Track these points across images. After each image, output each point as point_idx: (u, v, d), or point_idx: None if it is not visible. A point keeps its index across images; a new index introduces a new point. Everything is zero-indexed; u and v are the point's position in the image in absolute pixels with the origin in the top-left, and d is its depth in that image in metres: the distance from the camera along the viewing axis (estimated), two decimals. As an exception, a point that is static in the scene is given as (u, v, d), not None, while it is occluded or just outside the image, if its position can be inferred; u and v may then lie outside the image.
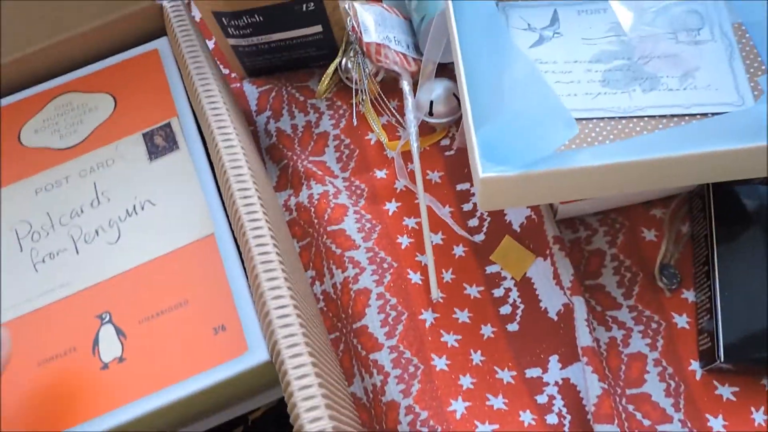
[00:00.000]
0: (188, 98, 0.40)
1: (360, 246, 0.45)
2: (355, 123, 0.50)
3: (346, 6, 0.49)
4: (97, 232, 0.36)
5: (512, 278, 0.44)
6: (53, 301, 0.35)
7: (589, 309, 0.41)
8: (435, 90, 0.48)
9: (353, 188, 0.48)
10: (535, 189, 0.35)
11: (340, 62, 0.50)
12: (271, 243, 0.32)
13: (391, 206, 0.47)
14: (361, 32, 0.48)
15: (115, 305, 0.34)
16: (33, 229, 0.37)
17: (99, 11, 0.40)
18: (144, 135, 0.39)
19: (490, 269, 0.45)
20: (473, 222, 0.46)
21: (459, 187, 0.48)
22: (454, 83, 0.48)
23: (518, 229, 0.45)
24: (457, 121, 0.49)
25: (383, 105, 0.50)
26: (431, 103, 0.48)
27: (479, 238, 0.46)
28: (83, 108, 0.41)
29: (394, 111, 0.50)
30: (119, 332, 0.33)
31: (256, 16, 0.47)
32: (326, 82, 0.50)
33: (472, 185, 0.47)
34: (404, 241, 0.46)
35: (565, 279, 0.40)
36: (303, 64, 0.53)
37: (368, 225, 0.46)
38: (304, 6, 0.47)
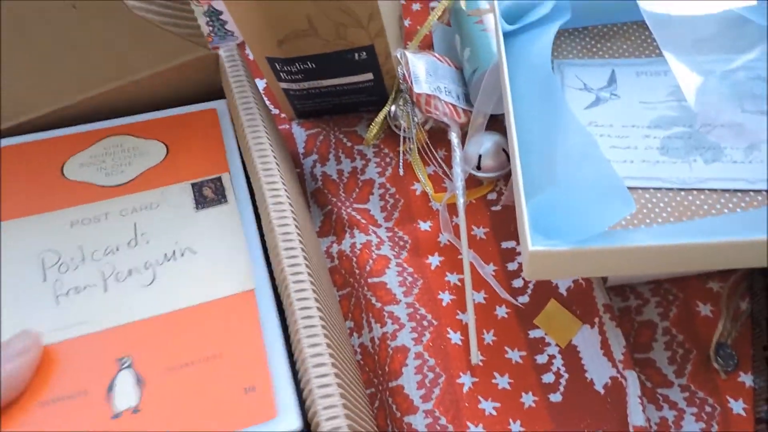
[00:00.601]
0: (241, 156, 0.40)
1: (401, 301, 0.44)
2: (401, 173, 0.49)
3: (398, 54, 0.49)
4: (130, 272, 0.35)
5: (556, 345, 0.42)
6: (70, 337, 0.33)
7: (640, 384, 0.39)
8: (484, 143, 0.47)
9: (396, 239, 0.48)
10: (586, 264, 0.34)
11: (389, 110, 0.50)
12: (315, 306, 0.31)
13: (434, 260, 0.46)
14: (411, 82, 0.48)
15: (139, 350, 0.32)
16: (62, 260, 0.35)
17: (159, 58, 0.41)
18: (193, 185, 0.38)
19: (534, 333, 0.43)
20: (518, 282, 0.45)
21: (504, 245, 0.46)
22: (503, 137, 0.47)
23: (565, 293, 0.43)
24: (505, 176, 0.48)
25: (430, 155, 0.50)
26: (480, 156, 0.47)
27: (523, 299, 0.44)
28: (134, 151, 0.40)
29: (441, 162, 0.49)
30: (139, 380, 0.32)
31: (308, 62, 0.47)
32: (375, 129, 0.49)
33: (517, 244, 0.46)
34: (446, 297, 0.45)
35: (616, 351, 0.39)
36: (352, 108, 0.53)
37: (410, 279, 0.45)
38: (356, 55, 0.47)
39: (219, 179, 0.38)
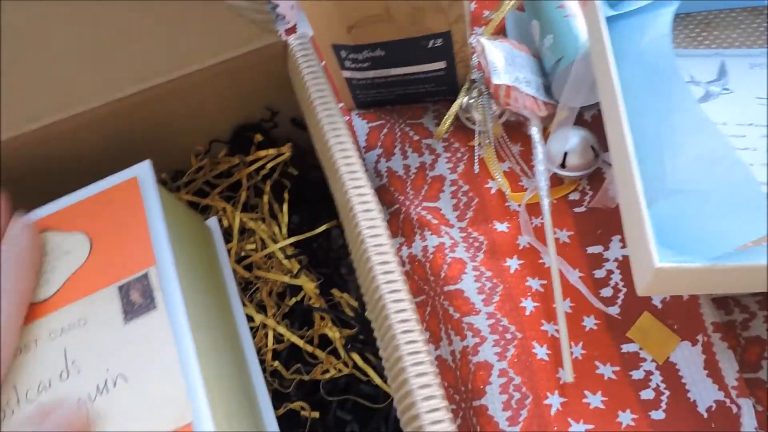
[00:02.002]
0: (169, 240, 0.34)
1: (480, 311, 0.41)
2: (476, 169, 0.46)
3: (474, 42, 0.45)
4: None
5: (653, 360, 0.39)
6: None
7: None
8: (570, 139, 0.43)
9: (470, 240, 0.44)
10: (713, 281, 0.30)
11: (462, 101, 0.46)
12: (420, 340, 0.28)
13: (513, 263, 0.43)
14: (489, 72, 0.44)
15: None
16: None
17: (225, 45, 0.37)
18: (120, 288, 0.33)
19: (627, 348, 0.40)
20: (606, 292, 0.41)
21: (590, 249, 0.43)
22: (590, 133, 0.44)
23: (659, 305, 0.40)
24: (590, 176, 0.44)
25: (507, 151, 0.46)
26: (565, 154, 0.43)
27: (613, 310, 0.41)
28: (57, 251, 0.35)
29: (518, 158, 0.46)
30: None
31: (378, 50, 0.44)
32: (449, 122, 0.46)
33: (605, 249, 0.43)
34: (528, 305, 0.41)
35: (728, 375, 0.35)
36: (417, 99, 0.49)
37: (488, 285, 0.42)
38: (431, 42, 0.43)
39: (145, 276, 0.33)
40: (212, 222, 0.40)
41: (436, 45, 0.43)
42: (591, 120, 0.46)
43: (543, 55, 0.46)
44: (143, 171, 0.36)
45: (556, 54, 0.44)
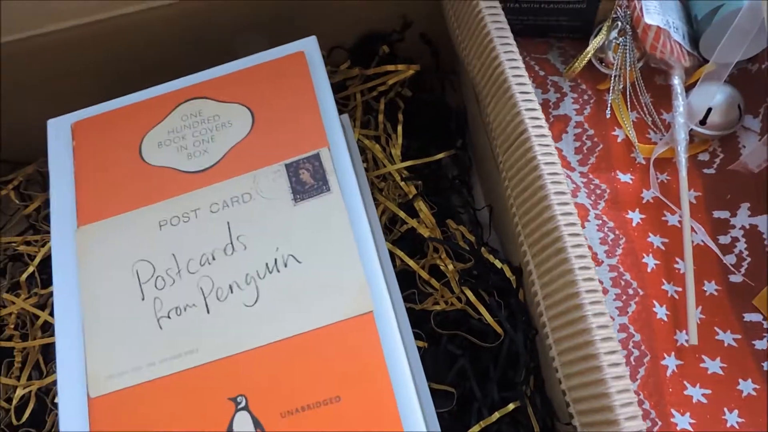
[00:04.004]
0: (341, 123, 0.32)
1: (603, 262, 0.39)
2: (608, 114, 0.43)
3: (625, -24, 0.42)
4: (231, 288, 0.30)
5: (775, 333, 0.38)
6: (180, 369, 0.28)
7: None
8: (717, 95, 0.41)
9: (592, 186, 0.42)
10: None
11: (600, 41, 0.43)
12: (596, 279, 0.26)
13: (635, 216, 0.41)
14: (641, 11, 0.41)
15: (251, 388, 0.28)
16: (156, 272, 0.30)
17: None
18: (287, 166, 0.31)
19: (749, 317, 0.38)
20: (730, 259, 0.40)
21: (716, 214, 0.41)
22: (737, 92, 0.41)
23: (786, 277, 0.39)
24: (723, 138, 0.42)
25: (638, 99, 0.43)
26: (709, 110, 0.41)
27: (735, 279, 0.39)
28: (215, 121, 0.33)
29: (651, 108, 0.43)
30: (257, 424, 0.27)
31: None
32: (586, 59, 0.43)
33: (732, 215, 0.41)
34: (650, 262, 0.40)
35: None
36: (543, 32, 0.46)
37: (611, 236, 0.40)
38: (585, -31, 0.40)
39: (317, 157, 0.31)
40: (345, 119, 0.38)
41: (589, -27, 0.40)
42: (729, 79, 0.44)
43: (694, 1, 0.43)
44: (310, 46, 0.34)
45: (714, 1, 0.41)
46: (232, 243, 0.30)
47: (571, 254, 0.27)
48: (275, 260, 0.30)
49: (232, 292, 0.29)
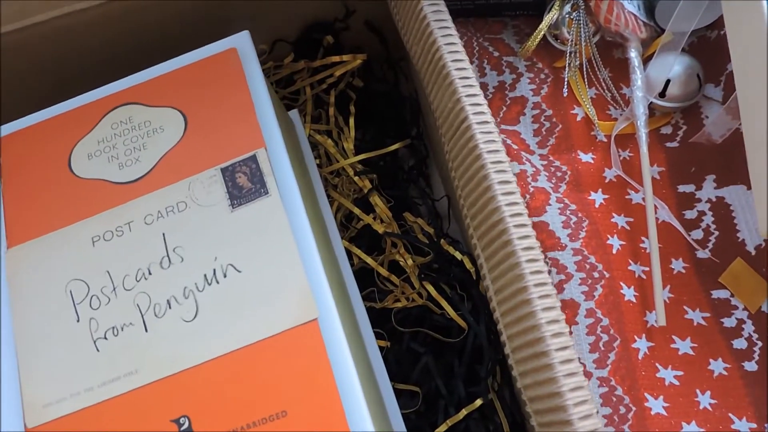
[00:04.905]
0: (278, 121, 0.31)
1: (566, 246, 0.38)
2: (565, 92, 0.42)
3: (575, -52, 0.40)
4: (169, 303, 0.28)
5: (745, 309, 0.37)
6: (120, 393, 0.27)
7: None
8: (674, 66, 0.39)
9: (552, 169, 0.41)
10: None
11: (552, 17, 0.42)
12: (545, 271, 0.25)
13: (597, 197, 0.40)
14: (592, -17, 0.40)
15: (194, 408, 0.26)
16: (91, 291, 0.29)
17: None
18: (223, 171, 0.30)
19: (717, 294, 0.37)
20: (697, 234, 0.39)
21: (681, 188, 0.40)
22: (696, 61, 0.40)
23: (753, 252, 0.38)
24: (686, 110, 0.41)
25: (596, 75, 0.42)
26: (667, 82, 0.39)
27: (702, 255, 0.38)
28: (146, 128, 0.31)
29: (609, 84, 0.42)
30: None
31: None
32: (538, 38, 0.41)
33: (698, 188, 0.40)
34: (615, 243, 0.39)
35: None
36: (496, 11, 0.45)
37: (574, 218, 0.39)
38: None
39: (254, 159, 0.30)
40: (294, 114, 0.36)
41: (537, -53, 0.38)
42: (688, 48, 0.42)
43: (647, -31, 0.42)
44: (243, 42, 0.32)
45: (667, -31, 0.40)
46: (168, 255, 0.29)
47: (517, 246, 0.26)
48: (214, 271, 0.28)
49: (170, 307, 0.28)
